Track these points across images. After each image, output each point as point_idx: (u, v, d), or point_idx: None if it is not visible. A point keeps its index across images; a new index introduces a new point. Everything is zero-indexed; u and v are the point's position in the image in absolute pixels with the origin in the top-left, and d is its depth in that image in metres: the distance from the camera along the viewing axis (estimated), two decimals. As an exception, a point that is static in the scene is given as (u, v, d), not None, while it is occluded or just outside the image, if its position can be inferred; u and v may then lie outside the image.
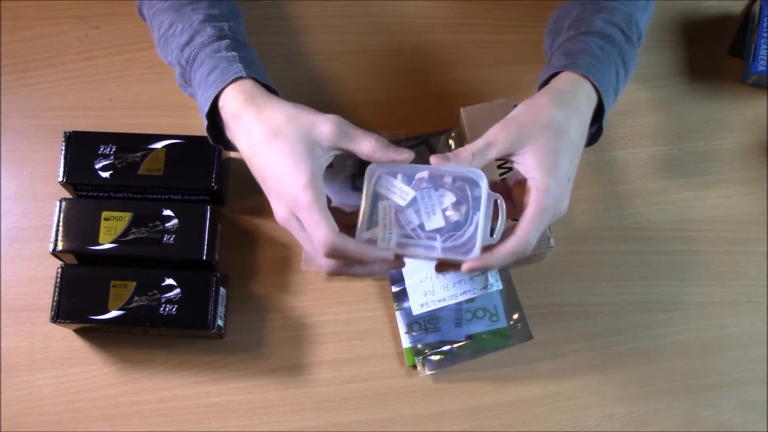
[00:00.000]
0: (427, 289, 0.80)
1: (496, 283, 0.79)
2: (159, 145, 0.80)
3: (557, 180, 0.64)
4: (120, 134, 0.80)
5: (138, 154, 0.80)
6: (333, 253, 0.63)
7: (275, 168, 0.65)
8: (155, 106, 0.87)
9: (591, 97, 0.68)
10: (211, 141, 0.71)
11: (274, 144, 0.65)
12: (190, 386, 0.79)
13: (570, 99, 0.67)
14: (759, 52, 0.86)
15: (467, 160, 0.65)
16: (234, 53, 0.69)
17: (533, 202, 0.64)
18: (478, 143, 0.65)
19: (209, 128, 0.70)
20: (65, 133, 0.80)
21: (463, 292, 0.79)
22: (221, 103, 0.68)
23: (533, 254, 0.79)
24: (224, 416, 0.78)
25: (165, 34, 0.71)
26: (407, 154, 0.65)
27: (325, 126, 0.65)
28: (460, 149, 0.65)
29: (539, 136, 0.64)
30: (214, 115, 0.69)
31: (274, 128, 0.65)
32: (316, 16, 0.91)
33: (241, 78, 0.67)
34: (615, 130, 0.87)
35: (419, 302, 0.79)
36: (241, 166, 0.70)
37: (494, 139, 0.65)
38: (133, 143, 0.80)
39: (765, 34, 0.87)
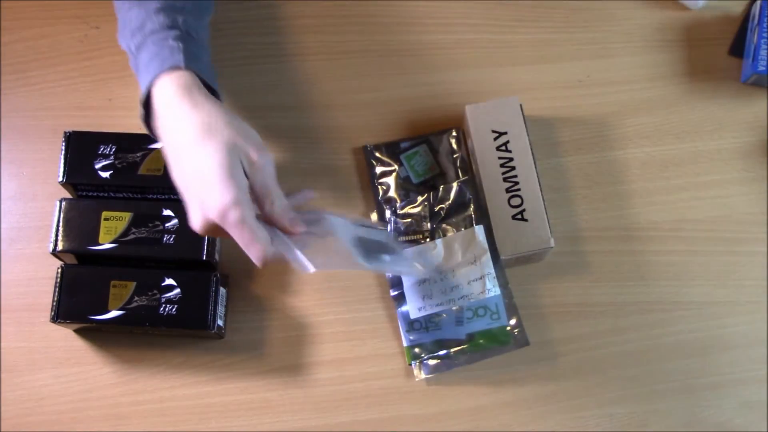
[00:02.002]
0: (425, 293, 0.80)
1: (493, 289, 0.79)
2: (159, 145, 0.80)
3: None
4: (120, 134, 0.80)
5: (138, 154, 0.80)
6: (264, 263, 0.62)
7: (202, 173, 0.60)
8: (155, 106, 0.87)
9: None
10: (149, 134, 0.69)
11: (206, 144, 0.60)
12: (190, 386, 0.79)
13: None
14: (759, 52, 0.86)
15: None
16: (180, 44, 0.65)
17: None
18: None
19: (145, 118, 0.67)
20: (65, 133, 0.80)
21: (461, 297, 0.79)
22: (155, 90, 0.64)
23: (533, 254, 0.79)
24: (224, 416, 0.79)
25: (123, 18, 0.70)
26: (298, 228, 0.64)
27: (253, 155, 0.61)
28: None
29: None
30: (148, 104, 0.66)
31: (209, 124, 0.60)
32: (315, 16, 0.91)
33: (180, 69, 0.64)
34: (615, 130, 0.87)
35: (417, 306, 0.79)
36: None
37: None
38: (133, 143, 0.80)
39: (765, 34, 0.87)
